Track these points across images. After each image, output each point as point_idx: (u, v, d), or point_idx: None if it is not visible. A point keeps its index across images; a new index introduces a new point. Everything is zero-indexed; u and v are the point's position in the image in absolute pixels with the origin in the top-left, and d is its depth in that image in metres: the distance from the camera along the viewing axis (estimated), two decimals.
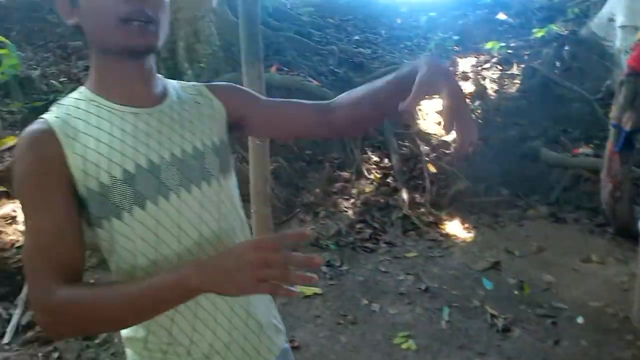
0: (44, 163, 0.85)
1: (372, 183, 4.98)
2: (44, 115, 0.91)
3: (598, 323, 3.13)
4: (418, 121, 5.55)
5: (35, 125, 0.89)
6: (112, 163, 0.87)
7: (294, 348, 2.90)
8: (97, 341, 2.70)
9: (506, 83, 5.78)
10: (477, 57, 6.22)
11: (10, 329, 2.56)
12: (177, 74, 5.18)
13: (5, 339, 2.52)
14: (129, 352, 1.00)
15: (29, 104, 4.31)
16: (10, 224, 3.20)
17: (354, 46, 6.47)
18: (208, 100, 1.04)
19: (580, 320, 3.20)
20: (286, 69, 5.58)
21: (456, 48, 6.37)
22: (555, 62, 5.70)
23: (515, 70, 5.87)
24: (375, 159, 5.24)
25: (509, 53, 6.03)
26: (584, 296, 3.44)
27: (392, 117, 1.17)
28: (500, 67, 5.94)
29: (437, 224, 4.62)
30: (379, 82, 1.06)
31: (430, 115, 5.62)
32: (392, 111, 0.97)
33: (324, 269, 3.88)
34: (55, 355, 2.53)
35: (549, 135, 5.34)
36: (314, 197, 4.73)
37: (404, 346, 2.97)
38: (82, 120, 0.89)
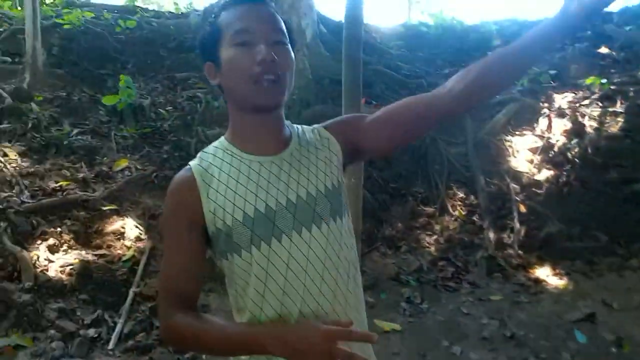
0: (182, 208, 1.04)
1: (456, 220, 4.87)
2: (190, 163, 1.08)
3: None
4: (509, 158, 5.37)
5: (182, 172, 1.07)
6: (236, 207, 1.00)
7: None
8: (187, 356, 2.89)
9: (608, 121, 5.42)
10: (576, 93, 5.91)
11: (114, 336, 2.82)
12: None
13: (110, 345, 2.78)
14: None
15: (139, 130, 4.78)
16: (119, 239, 3.54)
17: (443, 80, 6.39)
18: (325, 141, 1.13)
19: None
20: (374, 102, 5.68)
21: (552, 83, 6.11)
22: None
23: (618, 107, 5.50)
24: (461, 195, 5.13)
25: (612, 89, 5.67)
26: None
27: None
28: (601, 104, 5.60)
29: (525, 267, 4.39)
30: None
31: (521, 153, 5.41)
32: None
33: (403, 304, 3.84)
34: None
35: None
36: (396, 231, 4.72)
37: None
38: (217, 167, 1.05)
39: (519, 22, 8.17)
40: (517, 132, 5.60)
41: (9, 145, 4.05)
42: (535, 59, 1.10)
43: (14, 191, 3.57)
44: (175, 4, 8.50)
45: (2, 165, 3.76)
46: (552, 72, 6.23)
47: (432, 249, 4.60)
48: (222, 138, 1.11)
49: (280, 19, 1.06)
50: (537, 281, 4.22)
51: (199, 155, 1.10)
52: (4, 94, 4.56)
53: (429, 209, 4.98)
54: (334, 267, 1.04)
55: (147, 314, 3.06)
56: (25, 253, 3.07)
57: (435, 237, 4.72)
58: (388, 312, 3.73)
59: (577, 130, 5.36)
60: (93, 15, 6.24)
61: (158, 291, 1.07)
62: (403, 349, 3.30)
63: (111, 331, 2.89)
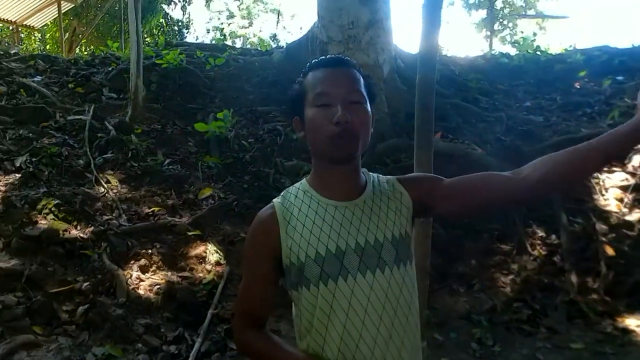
0: (263, 240, 1.20)
1: (535, 260, 4.65)
2: (274, 200, 1.24)
3: None
4: (595, 196, 5.07)
5: (266, 208, 1.23)
6: (310, 245, 1.13)
7: None
8: None
9: None
10: None
11: (192, 354, 3.03)
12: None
13: None
14: None
15: (223, 161, 5.13)
16: (201, 263, 3.81)
17: (524, 113, 6.23)
18: (399, 194, 1.24)
19: None
20: (450, 136, 5.64)
21: None
22: None
23: None
24: (541, 234, 4.89)
25: None
26: None
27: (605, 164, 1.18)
28: None
29: (611, 315, 4.09)
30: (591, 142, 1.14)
31: (609, 191, 5.08)
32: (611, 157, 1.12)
33: (474, 345, 3.72)
34: None
35: None
36: (469, 269, 4.60)
37: None
38: (297, 207, 1.19)
39: (609, 51, 7.73)
40: (605, 169, 5.27)
41: (112, 173, 4.54)
42: (606, 162, 1.15)
43: (113, 214, 3.99)
44: (261, 39, 9.06)
45: (105, 190, 4.23)
46: None
47: (508, 289, 4.42)
48: (304, 181, 1.25)
49: (360, 78, 1.19)
50: (625, 331, 3.91)
51: (282, 194, 1.25)
52: (110, 127, 5.14)
53: (506, 247, 4.80)
54: (392, 310, 1.13)
55: (222, 335, 3.26)
56: (120, 271, 3.42)
57: (511, 276, 4.53)
58: (457, 352, 3.64)
59: None
60: (186, 54, 6.82)
61: (235, 310, 1.27)
62: None
63: (190, 349, 3.11)
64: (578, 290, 4.28)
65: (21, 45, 13.00)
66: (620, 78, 6.70)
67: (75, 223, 3.73)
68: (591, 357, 3.59)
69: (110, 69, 6.57)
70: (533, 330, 3.97)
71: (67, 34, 13.81)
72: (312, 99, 1.15)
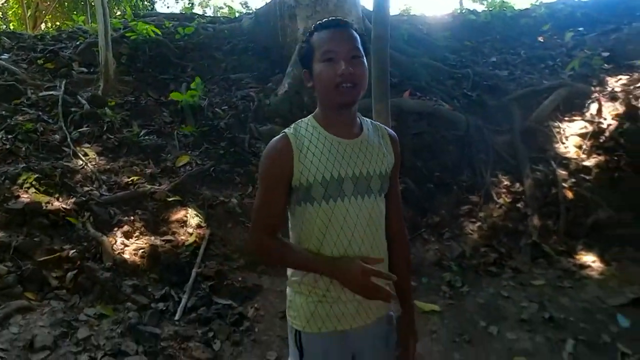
0: (278, 163, 1.44)
1: (500, 207, 4.91)
2: (285, 130, 1.48)
3: None
4: (556, 144, 5.33)
5: (280, 137, 1.47)
6: (318, 171, 1.42)
7: None
8: (242, 328, 3.26)
9: None
10: (630, 75, 5.71)
11: (179, 309, 3.24)
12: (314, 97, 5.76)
13: (176, 317, 3.20)
14: (288, 289, 1.55)
15: (198, 129, 5.23)
16: (182, 226, 3.98)
17: (490, 68, 6.41)
18: (387, 145, 1.56)
19: None
20: (419, 94, 5.80)
21: (605, 66, 5.93)
22: None
23: None
24: (506, 183, 5.16)
25: None
26: None
27: None
28: None
29: (570, 253, 4.39)
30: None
31: (569, 139, 5.34)
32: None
33: (444, 288, 4.00)
34: (210, 334, 3.13)
35: None
36: (440, 219, 4.85)
37: None
38: (307, 139, 1.45)
39: (572, 4, 7.89)
40: (566, 118, 5.52)
41: (89, 146, 4.61)
42: None
43: (94, 186, 4.10)
44: (230, 8, 8.97)
45: (84, 163, 4.32)
46: (605, 54, 6.05)
47: (476, 236, 4.69)
48: (312, 117, 1.50)
49: (357, 37, 1.44)
50: (582, 267, 4.21)
51: (293, 126, 1.49)
52: (83, 101, 5.17)
53: (474, 197, 5.05)
54: (374, 226, 1.47)
55: (207, 291, 3.47)
56: (105, 238, 3.57)
57: (479, 224, 4.80)
58: (429, 294, 3.91)
59: (630, 114, 5.21)
60: (155, 25, 6.77)
61: (253, 224, 1.50)
62: (442, 328, 3.49)
63: (177, 305, 3.32)
64: (540, 233, 4.56)
65: None
66: (581, 29, 6.89)
67: (56, 195, 3.83)
68: (551, 291, 3.88)
69: (78, 43, 6.50)
70: (499, 271, 4.25)
71: (30, 10, 13.38)
72: (320, 55, 1.40)
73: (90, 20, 7.96)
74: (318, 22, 1.46)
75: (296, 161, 1.42)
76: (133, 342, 2.92)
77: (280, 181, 1.43)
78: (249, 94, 5.84)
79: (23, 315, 2.93)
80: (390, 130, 1.63)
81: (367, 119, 1.57)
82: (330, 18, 1.47)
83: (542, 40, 7.05)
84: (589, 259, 4.31)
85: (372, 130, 1.55)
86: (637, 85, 5.53)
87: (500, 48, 7.04)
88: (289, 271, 1.55)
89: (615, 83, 5.70)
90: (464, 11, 8.61)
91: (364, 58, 1.44)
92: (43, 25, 13.65)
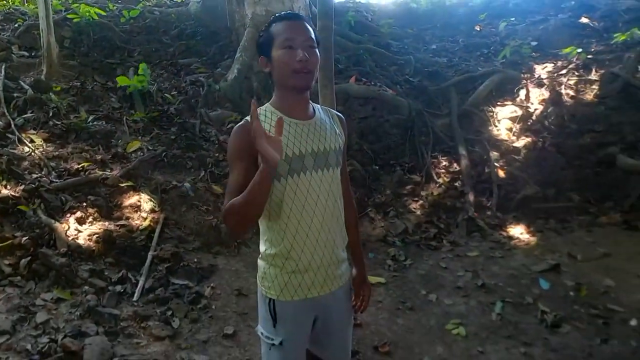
0: (245, 145, 1.50)
1: (440, 186, 5.29)
2: (247, 117, 1.55)
3: None
4: (490, 127, 5.76)
5: (242, 122, 1.56)
6: (281, 150, 1.49)
7: (356, 326, 3.38)
8: (199, 306, 3.41)
9: (583, 89, 5.77)
10: (555, 63, 6.23)
11: (137, 290, 3.34)
12: (269, 85, 5.87)
13: (134, 298, 3.30)
14: (260, 263, 1.67)
15: (148, 114, 5.23)
16: (136, 211, 4.04)
17: (431, 55, 6.76)
18: (338, 125, 1.73)
19: (633, 322, 3.29)
20: (364, 79, 6.05)
21: (534, 54, 6.42)
22: (638, 66, 5.59)
23: (594, 75, 5.83)
24: (445, 163, 5.54)
25: (589, 58, 5.98)
26: None
27: None
28: (578, 73, 5.93)
29: (502, 227, 4.82)
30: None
31: (502, 122, 5.78)
32: None
33: (389, 262, 4.31)
34: (169, 313, 3.27)
35: (627, 142, 5.26)
36: (385, 198, 5.16)
37: (454, 332, 3.31)
38: (267, 123, 1.56)
39: None
40: (498, 103, 5.96)
41: (34, 132, 4.53)
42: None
43: (43, 172, 4.07)
44: None
45: (31, 150, 4.25)
46: (534, 43, 6.53)
47: (418, 213, 5.04)
48: (268, 105, 1.63)
49: (311, 29, 1.58)
50: (512, 238, 4.64)
51: None
52: (25, 86, 5.03)
53: (416, 177, 5.40)
54: (333, 196, 1.63)
55: (163, 272, 3.58)
56: (57, 224, 3.58)
57: (420, 202, 5.15)
58: (375, 269, 4.21)
59: (554, 99, 5.72)
60: (99, 7, 6.60)
61: (225, 197, 1.56)
62: (387, 297, 3.79)
63: (134, 287, 3.41)
64: (475, 209, 4.97)
65: None
66: (513, 19, 7.38)
67: (4, 183, 3.79)
68: (484, 261, 4.27)
69: (16, 25, 6.25)
70: (438, 245, 4.61)
71: None
72: (280, 43, 1.52)
73: (26, 1, 7.62)
74: (277, 15, 1.61)
75: None
76: (93, 323, 3.00)
77: (246, 161, 1.53)
78: (199, 79, 5.88)
79: None
80: (337, 112, 1.81)
81: (317, 105, 1.73)
82: (287, 11, 1.63)
83: (478, 29, 7.49)
84: (518, 231, 4.76)
85: (322, 112, 1.71)
86: (561, 72, 6.05)
87: (440, 36, 7.42)
88: (262, 246, 1.68)
89: (542, 70, 6.19)
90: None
91: (317, 49, 1.58)
92: None
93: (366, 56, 6.35)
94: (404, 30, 7.36)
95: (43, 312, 2.98)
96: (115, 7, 6.95)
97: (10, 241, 3.37)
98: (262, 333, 1.69)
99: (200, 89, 5.72)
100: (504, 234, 4.74)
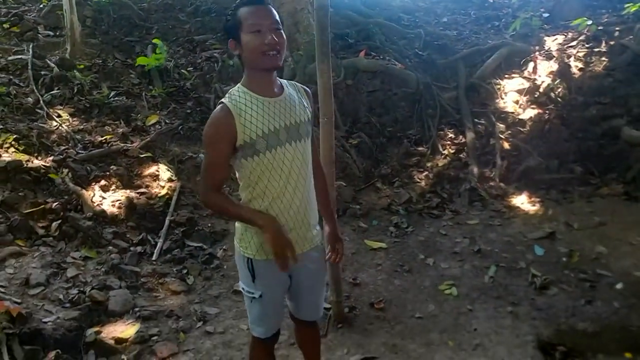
0: (222, 129, 1.66)
1: (445, 158, 5.45)
2: (224, 100, 1.70)
3: (637, 290, 3.36)
4: (497, 100, 5.86)
5: (220, 108, 1.69)
6: (257, 128, 1.68)
7: (356, 285, 3.65)
8: (212, 266, 3.74)
9: (592, 61, 5.78)
10: (565, 35, 6.22)
11: (156, 251, 3.69)
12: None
13: (153, 257, 3.65)
14: (238, 225, 1.85)
15: (165, 90, 5.52)
16: (155, 180, 4.37)
17: (441, 28, 6.81)
18: (305, 99, 1.86)
19: (619, 286, 3.45)
20: (373, 54, 6.17)
21: (545, 26, 6.41)
22: None
23: (603, 47, 5.83)
24: (451, 135, 5.68)
25: (599, 30, 5.96)
26: (631, 267, 3.65)
27: None
28: (587, 45, 5.93)
29: (503, 197, 4.96)
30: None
31: (509, 95, 5.87)
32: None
33: (391, 229, 4.53)
34: (184, 271, 3.61)
35: (633, 114, 5.28)
36: (391, 169, 5.36)
37: (446, 292, 3.55)
38: (243, 103, 1.68)
39: None
40: (506, 76, 6.03)
41: (61, 107, 4.87)
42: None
43: (69, 145, 4.41)
44: None
45: (58, 124, 4.60)
46: (545, 15, 6.51)
47: (422, 183, 5.22)
48: (240, 85, 1.74)
49: (275, 12, 1.68)
50: (511, 208, 4.78)
51: (227, 96, 1.72)
52: (52, 64, 5.36)
53: (422, 149, 5.56)
54: (306, 166, 1.83)
55: (179, 235, 3.92)
56: (84, 192, 3.93)
57: (425, 173, 5.32)
58: (377, 235, 4.45)
59: (562, 71, 5.75)
60: None
61: (202, 181, 1.78)
62: (386, 261, 4.03)
63: (153, 248, 3.76)
64: (478, 179, 5.11)
65: None
66: None
67: (35, 154, 4.15)
68: (482, 229, 4.45)
69: (41, 6, 6.56)
70: (440, 213, 4.79)
71: None
72: (248, 27, 1.62)
73: None
74: (241, 0, 1.69)
75: (238, 124, 1.64)
76: (116, 278, 3.37)
77: (227, 142, 1.65)
78: (213, 55, 6.10)
79: (16, 259, 3.33)
80: (304, 86, 1.92)
81: (283, 80, 1.84)
82: None
83: (491, 1, 7.46)
84: (519, 201, 4.90)
85: (290, 87, 1.83)
86: (571, 44, 6.05)
87: (452, 8, 7.43)
88: None
89: (552, 42, 6.20)
90: None
91: (282, 29, 1.69)
92: None
93: (376, 30, 6.44)
94: (415, 4, 7.41)
95: (73, 268, 3.35)
96: None
97: (42, 206, 3.73)
98: (243, 288, 1.90)
99: (215, 65, 5.95)
100: (505, 203, 4.87)
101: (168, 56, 5.80)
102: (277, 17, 1.68)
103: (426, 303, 3.43)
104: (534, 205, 4.81)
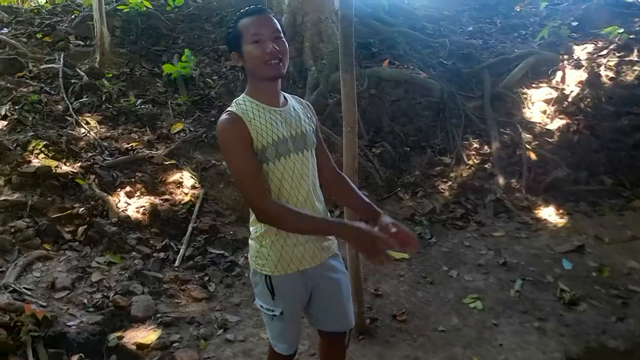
0: (239, 130, 1.62)
1: (470, 168, 5.36)
2: (230, 109, 1.67)
3: None
4: (523, 109, 5.75)
5: (229, 115, 1.65)
6: (267, 135, 1.65)
7: (378, 296, 3.60)
8: (233, 273, 3.74)
9: (624, 70, 5.63)
10: (595, 44, 6.09)
11: (178, 258, 3.72)
12: (303, 69, 6.09)
13: (176, 264, 3.68)
14: (252, 243, 1.80)
15: (190, 98, 5.60)
16: (179, 187, 4.41)
17: (466, 37, 6.75)
18: (309, 111, 1.87)
19: None
20: (397, 63, 6.15)
21: (573, 35, 6.29)
22: None
23: (634, 56, 5.68)
24: (476, 145, 5.59)
25: (631, 38, 5.81)
26: None
27: None
28: (618, 54, 5.79)
29: (530, 208, 4.85)
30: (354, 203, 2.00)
31: (536, 104, 5.75)
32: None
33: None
34: (206, 278, 3.62)
35: None
36: (414, 179, 5.29)
37: (471, 305, 3.46)
38: (250, 111, 1.66)
39: None
40: (533, 85, 5.92)
41: (90, 115, 4.99)
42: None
43: (97, 151, 4.50)
44: None
45: (86, 131, 4.70)
46: (574, 23, 6.39)
47: (446, 194, 5.14)
48: (244, 95, 1.72)
49: (276, 20, 1.67)
50: (539, 220, 4.67)
51: (233, 105, 1.70)
52: (81, 73, 5.50)
53: (446, 159, 5.49)
54: (312, 174, 1.80)
55: (202, 242, 3.94)
56: (109, 197, 4.00)
57: (449, 183, 5.25)
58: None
59: (591, 81, 5.63)
60: None
61: (243, 187, 1.64)
62: (409, 272, 3.97)
63: (176, 254, 3.79)
64: (504, 190, 5.01)
65: None
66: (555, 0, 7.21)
67: (64, 160, 4.24)
68: (508, 241, 4.35)
69: (73, 16, 6.75)
70: (464, 224, 4.70)
71: None
72: (248, 38, 1.61)
73: None
74: (242, 10, 1.68)
75: (251, 129, 1.62)
76: (139, 284, 3.39)
77: (247, 146, 1.61)
78: (237, 65, 6.15)
79: (43, 262, 3.39)
80: (306, 101, 1.93)
81: (285, 93, 1.81)
82: (251, 6, 1.69)
83: (518, 10, 7.37)
84: (546, 213, 4.78)
85: (292, 99, 1.83)
86: (601, 53, 5.92)
87: (477, 17, 7.36)
88: (252, 227, 1.78)
89: (581, 51, 6.07)
90: None
91: (284, 38, 1.66)
92: None
93: (400, 39, 6.42)
94: (440, 13, 7.36)
95: (97, 273, 3.39)
96: None
97: (69, 211, 3.80)
98: (261, 306, 1.83)
99: (239, 73, 6.00)
100: (532, 215, 4.77)
101: (194, 65, 5.89)
102: (278, 26, 1.66)
103: (449, 316, 3.36)
104: (562, 218, 4.69)
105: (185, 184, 4.43)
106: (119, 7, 6.57)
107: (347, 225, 1.67)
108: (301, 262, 1.76)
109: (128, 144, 4.70)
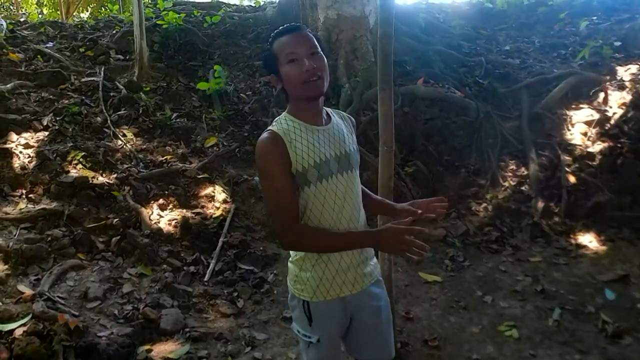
0: (279, 153, 1.57)
1: (505, 190, 5.21)
2: (271, 127, 1.62)
3: None
4: (563, 131, 5.57)
5: (270, 134, 1.60)
6: (309, 157, 1.59)
7: (409, 319, 3.50)
8: (262, 290, 3.70)
9: None
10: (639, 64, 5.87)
11: (208, 272, 3.71)
12: (337, 86, 6.09)
13: (205, 278, 3.67)
14: (291, 266, 1.75)
15: (224, 113, 5.66)
16: (210, 201, 4.43)
17: (503, 56, 6.62)
18: (351, 127, 1.81)
19: None
20: (432, 81, 6.08)
21: (616, 55, 6.08)
22: None
23: None
24: (512, 167, 5.44)
25: None
26: None
27: None
28: None
29: (569, 233, 4.65)
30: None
31: (576, 126, 5.57)
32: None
33: (447, 262, 4.36)
34: (235, 294, 3.59)
35: None
36: (448, 199, 5.16)
37: (507, 333, 3.33)
38: (291, 131, 1.60)
39: None
40: (573, 106, 5.73)
41: (127, 127, 5.10)
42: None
43: (132, 163, 4.58)
44: None
45: (123, 143, 4.80)
46: (618, 43, 6.19)
47: (481, 215, 5.00)
48: (286, 114, 1.67)
49: (311, 35, 1.62)
50: (579, 246, 4.47)
51: (274, 123, 1.64)
52: (120, 86, 5.65)
53: (481, 180, 5.35)
54: (356, 195, 1.73)
55: (232, 257, 3.93)
56: (143, 209, 4.05)
57: (484, 205, 5.10)
58: (432, 267, 4.28)
59: (636, 102, 5.40)
60: (185, 14, 7.19)
61: (276, 216, 1.59)
62: (441, 295, 3.86)
63: (206, 269, 3.79)
64: (542, 214, 4.84)
65: (20, 9, 13.23)
66: (595, 18, 7.02)
67: (100, 171, 4.33)
68: (546, 267, 4.19)
69: (114, 32, 6.98)
70: (500, 248, 4.56)
71: None
72: (284, 58, 1.56)
73: (122, 9, 8.44)
74: (276, 31, 1.64)
75: (291, 151, 1.56)
76: (169, 297, 3.40)
77: (285, 168, 1.56)
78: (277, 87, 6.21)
79: (77, 272, 3.44)
80: (348, 115, 1.86)
81: (328, 108, 1.75)
82: (285, 25, 1.64)
83: (557, 29, 7.20)
84: (586, 239, 4.57)
85: (336, 116, 1.76)
86: None
87: (514, 36, 7.22)
88: (292, 252, 1.74)
89: (625, 72, 5.86)
90: None
91: (322, 53, 1.60)
92: (76, 12, 14.24)
93: (435, 57, 6.36)
94: (476, 31, 7.26)
95: (128, 284, 3.42)
96: (199, 13, 7.51)
97: (104, 222, 3.86)
98: (298, 331, 1.75)
99: (273, 89, 6.05)
100: (571, 241, 4.58)
101: (228, 80, 5.97)
102: (315, 41, 1.61)
103: (484, 344, 3.23)
104: (603, 245, 4.48)
105: (217, 198, 4.45)
106: (158, 23, 6.74)
107: (373, 232, 1.59)
108: (341, 288, 1.69)
109: (162, 156, 4.77)
